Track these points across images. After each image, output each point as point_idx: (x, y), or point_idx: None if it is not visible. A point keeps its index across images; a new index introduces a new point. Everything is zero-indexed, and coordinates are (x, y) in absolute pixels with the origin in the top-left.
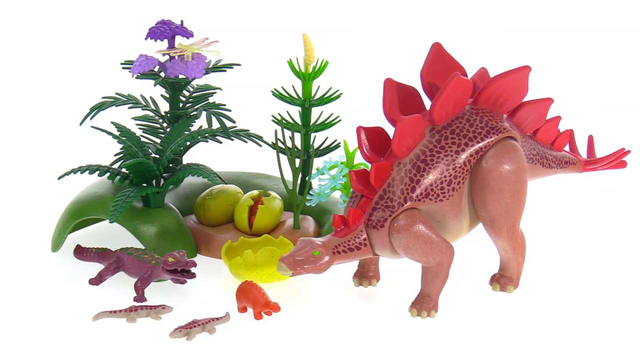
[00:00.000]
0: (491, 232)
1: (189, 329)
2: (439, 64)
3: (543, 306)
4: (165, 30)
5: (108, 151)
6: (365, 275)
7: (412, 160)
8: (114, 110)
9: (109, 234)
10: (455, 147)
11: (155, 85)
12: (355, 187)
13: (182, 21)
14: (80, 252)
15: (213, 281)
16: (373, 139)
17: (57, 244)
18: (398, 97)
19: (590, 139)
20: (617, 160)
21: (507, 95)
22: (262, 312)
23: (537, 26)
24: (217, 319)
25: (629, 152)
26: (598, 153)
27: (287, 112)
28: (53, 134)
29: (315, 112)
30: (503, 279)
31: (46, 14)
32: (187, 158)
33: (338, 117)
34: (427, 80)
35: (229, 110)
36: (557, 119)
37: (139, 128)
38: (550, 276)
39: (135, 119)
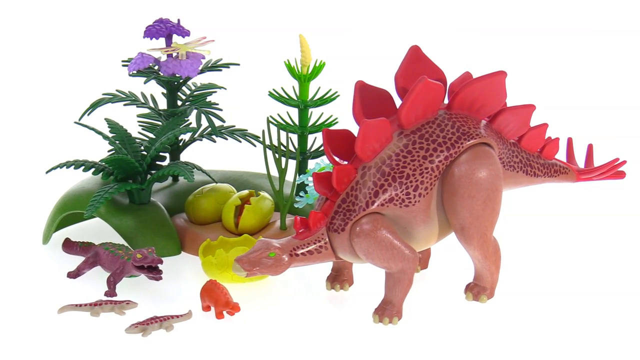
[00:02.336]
0: (462, 240)
1: (145, 325)
2: (415, 67)
3: (515, 318)
4: (161, 29)
5: (105, 147)
6: (338, 279)
7: (377, 164)
8: (119, 108)
9: (105, 229)
10: (423, 152)
11: (145, 83)
12: (318, 189)
13: (178, 20)
14: (68, 246)
15: (192, 279)
16: (339, 142)
17: (46, 237)
18: (369, 100)
19: (590, 147)
20: (612, 170)
21: (483, 101)
22: (225, 312)
23: (537, 29)
24: (178, 316)
25: (624, 162)
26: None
27: (287, 113)
28: (52, 129)
29: (316, 113)
30: (476, 289)
31: (45, 12)
32: (187, 156)
33: (336, 119)
34: (401, 84)
35: (220, 110)
36: (544, 126)
37: (140, 125)
38: (530, 287)
39: (140, 116)
